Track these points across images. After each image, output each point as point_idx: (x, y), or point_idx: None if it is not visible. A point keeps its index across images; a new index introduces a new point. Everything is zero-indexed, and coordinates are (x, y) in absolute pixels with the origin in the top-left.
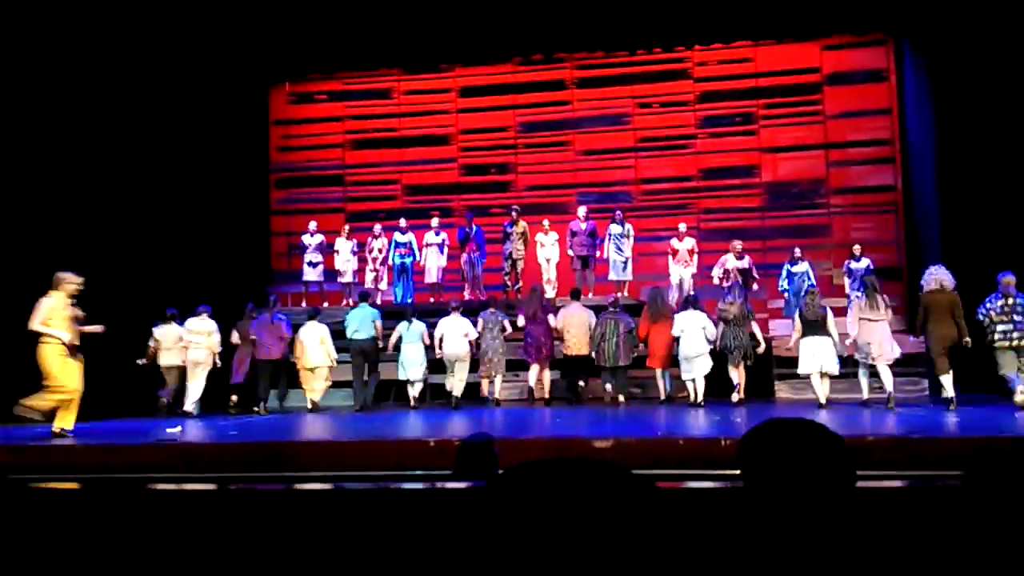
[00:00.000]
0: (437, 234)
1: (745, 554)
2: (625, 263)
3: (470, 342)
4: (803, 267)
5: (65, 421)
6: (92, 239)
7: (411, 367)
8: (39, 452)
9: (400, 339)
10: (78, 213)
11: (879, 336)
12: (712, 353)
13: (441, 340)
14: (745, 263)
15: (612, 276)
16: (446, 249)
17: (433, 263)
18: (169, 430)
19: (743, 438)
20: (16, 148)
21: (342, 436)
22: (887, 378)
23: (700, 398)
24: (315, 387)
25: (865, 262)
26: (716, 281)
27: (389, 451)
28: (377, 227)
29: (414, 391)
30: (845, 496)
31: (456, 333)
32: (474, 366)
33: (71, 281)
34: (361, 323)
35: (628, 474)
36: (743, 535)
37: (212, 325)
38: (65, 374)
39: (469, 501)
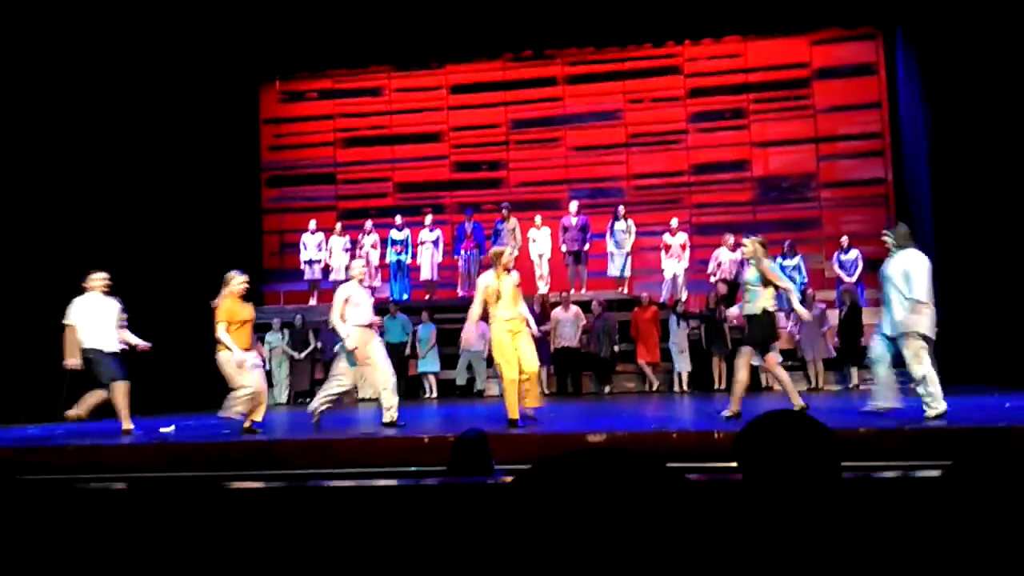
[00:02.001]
0: (431, 231)
1: (751, 544)
2: (625, 259)
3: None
4: (795, 260)
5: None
6: (82, 239)
7: (431, 362)
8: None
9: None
10: (68, 213)
11: None
12: (698, 347)
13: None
14: (739, 255)
15: (612, 272)
16: (441, 246)
17: (427, 260)
18: (163, 429)
19: (740, 432)
20: (4, 147)
21: (331, 435)
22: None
23: (685, 387)
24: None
25: (854, 253)
26: (712, 280)
27: (384, 448)
28: (368, 224)
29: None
30: (836, 486)
31: (477, 331)
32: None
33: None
34: (403, 329)
35: (663, 465)
36: (747, 525)
37: None
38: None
39: (504, 495)
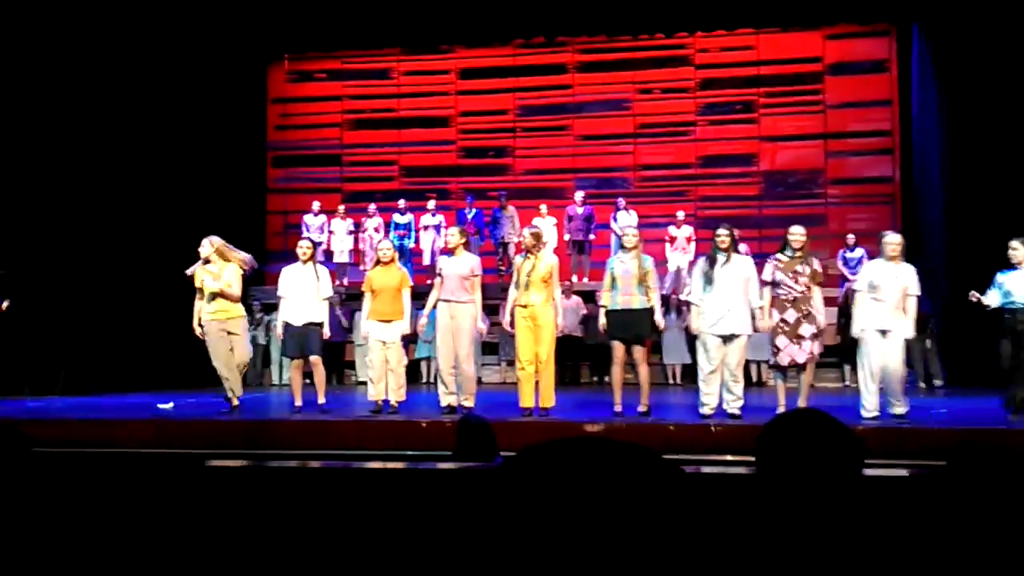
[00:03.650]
0: (434, 215)
1: (759, 538)
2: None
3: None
4: (858, 253)
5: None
6: (89, 217)
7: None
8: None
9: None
10: (73, 192)
11: None
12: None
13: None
14: (743, 250)
15: None
16: (443, 231)
17: (429, 245)
18: (161, 406)
19: (764, 428)
20: (9, 130)
21: (328, 417)
22: None
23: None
24: None
25: (860, 252)
26: None
27: (385, 431)
28: (371, 207)
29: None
30: (853, 484)
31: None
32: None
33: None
34: None
35: (657, 457)
36: (757, 520)
37: None
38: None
39: (498, 481)
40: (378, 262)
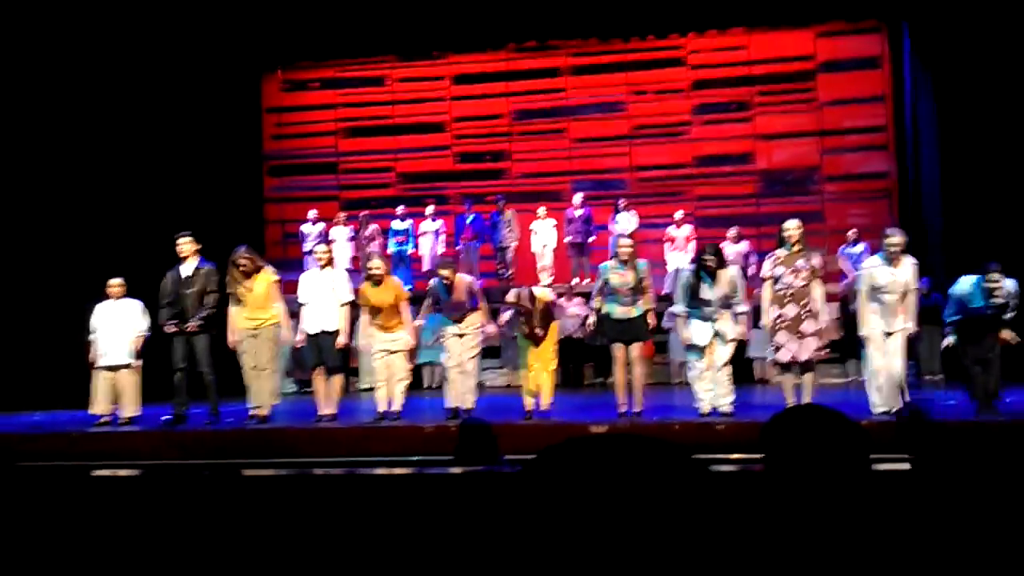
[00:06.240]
0: (433, 221)
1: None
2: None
3: None
4: (859, 248)
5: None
6: (84, 228)
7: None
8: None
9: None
10: (69, 203)
11: None
12: None
13: None
14: (743, 247)
15: None
16: (442, 236)
17: (428, 250)
18: (165, 417)
19: (766, 424)
20: (7, 133)
21: (335, 424)
22: None
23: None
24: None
25: (861, 247)
26: None
27: (388, 437)
28: (362, 214)
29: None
30: (862, 477)
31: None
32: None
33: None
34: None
35: (688, 454)
36: (768, 516)
37: None
38: None
39: (513, 483)
40: (369, 278)
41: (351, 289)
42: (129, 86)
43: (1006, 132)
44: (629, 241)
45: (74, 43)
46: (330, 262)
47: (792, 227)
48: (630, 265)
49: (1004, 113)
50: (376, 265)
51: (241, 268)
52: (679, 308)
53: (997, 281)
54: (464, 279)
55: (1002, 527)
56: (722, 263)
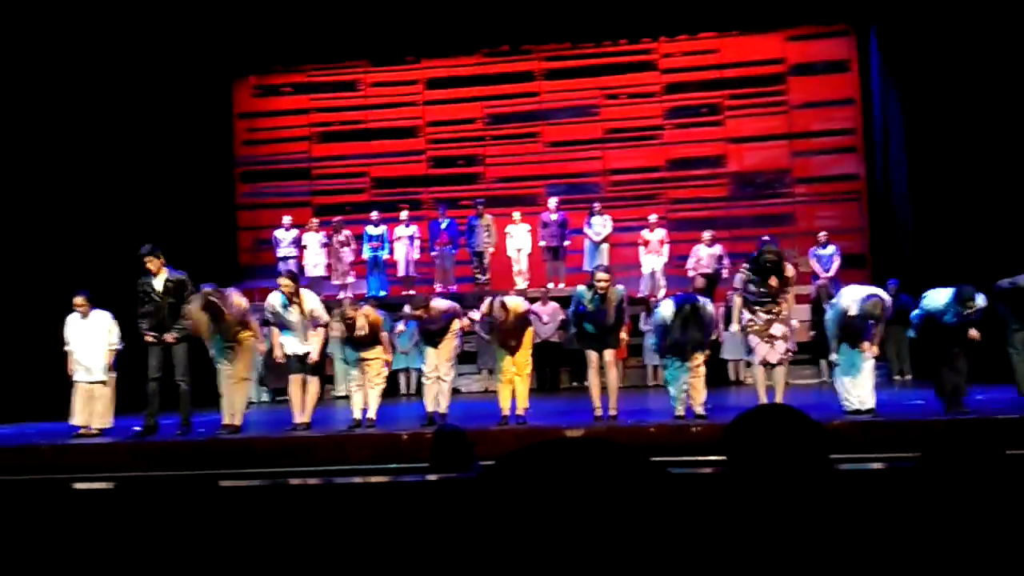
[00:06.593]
0: (407, 226)
1: (734, 535)
2: (596, 253)
3: None
4: (829, 250)
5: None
6: (54, 236)
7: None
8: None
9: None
10: (40, 212)
11: None
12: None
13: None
14: (717, 250)
15: (589, 268)
16: (416, 241)
17: (403, 256)
18: (137, 428)
19: (729, 425)
20: None
21: (309, 433)
22: None
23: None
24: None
25: (831, 248)
26: (691, 274)
27: (362, 445)
28: (335, 219)
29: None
30: (823, 478)
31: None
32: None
33: None
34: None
35: (645, 458)
36: (731, 517)
37: None
38: None
39: (475, 488)
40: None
41: (323, 310)
42: (99, 92)
43: (972, 134)
44: (606, 276)
45: (43, 49)
46: (295, 291)
47: (769, 252)
48: (607, 297)
49: (970, 116)
50: (361, 324)
51: (214, 313)
52: (656, 326)
53: (973, 304)
54: (439, 307)
55: (969, 526)
56: (698, 314)
